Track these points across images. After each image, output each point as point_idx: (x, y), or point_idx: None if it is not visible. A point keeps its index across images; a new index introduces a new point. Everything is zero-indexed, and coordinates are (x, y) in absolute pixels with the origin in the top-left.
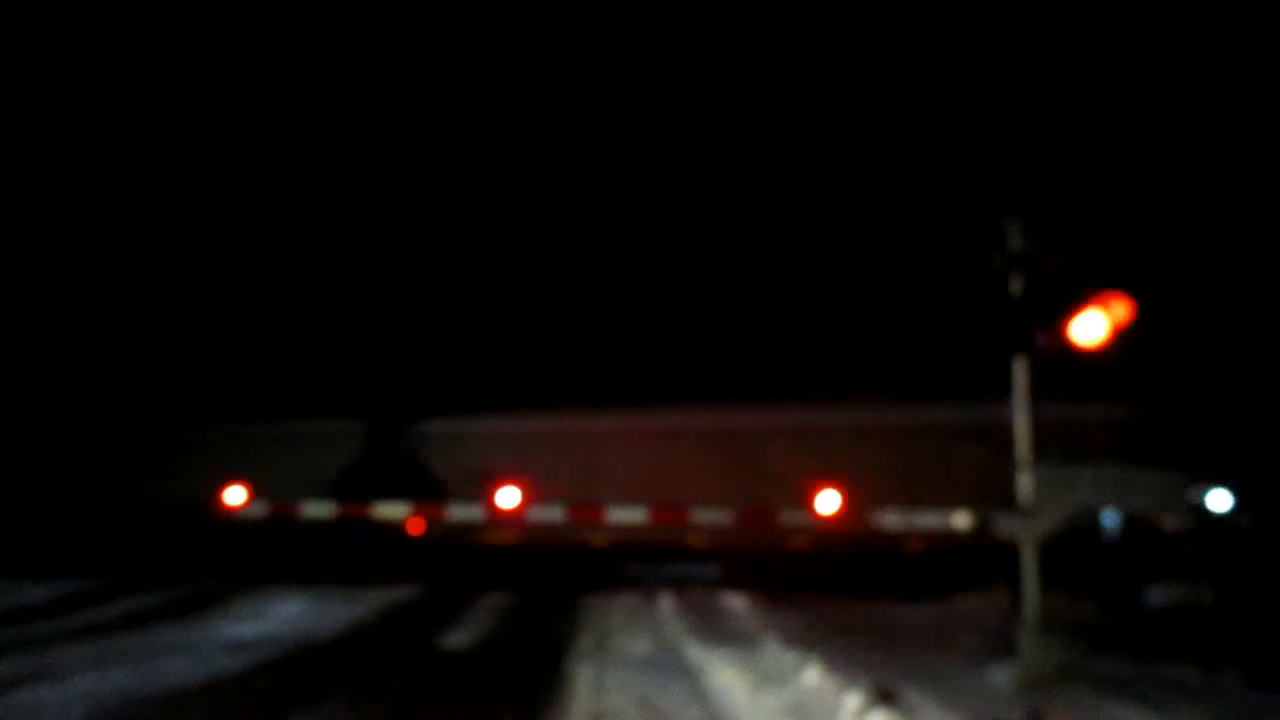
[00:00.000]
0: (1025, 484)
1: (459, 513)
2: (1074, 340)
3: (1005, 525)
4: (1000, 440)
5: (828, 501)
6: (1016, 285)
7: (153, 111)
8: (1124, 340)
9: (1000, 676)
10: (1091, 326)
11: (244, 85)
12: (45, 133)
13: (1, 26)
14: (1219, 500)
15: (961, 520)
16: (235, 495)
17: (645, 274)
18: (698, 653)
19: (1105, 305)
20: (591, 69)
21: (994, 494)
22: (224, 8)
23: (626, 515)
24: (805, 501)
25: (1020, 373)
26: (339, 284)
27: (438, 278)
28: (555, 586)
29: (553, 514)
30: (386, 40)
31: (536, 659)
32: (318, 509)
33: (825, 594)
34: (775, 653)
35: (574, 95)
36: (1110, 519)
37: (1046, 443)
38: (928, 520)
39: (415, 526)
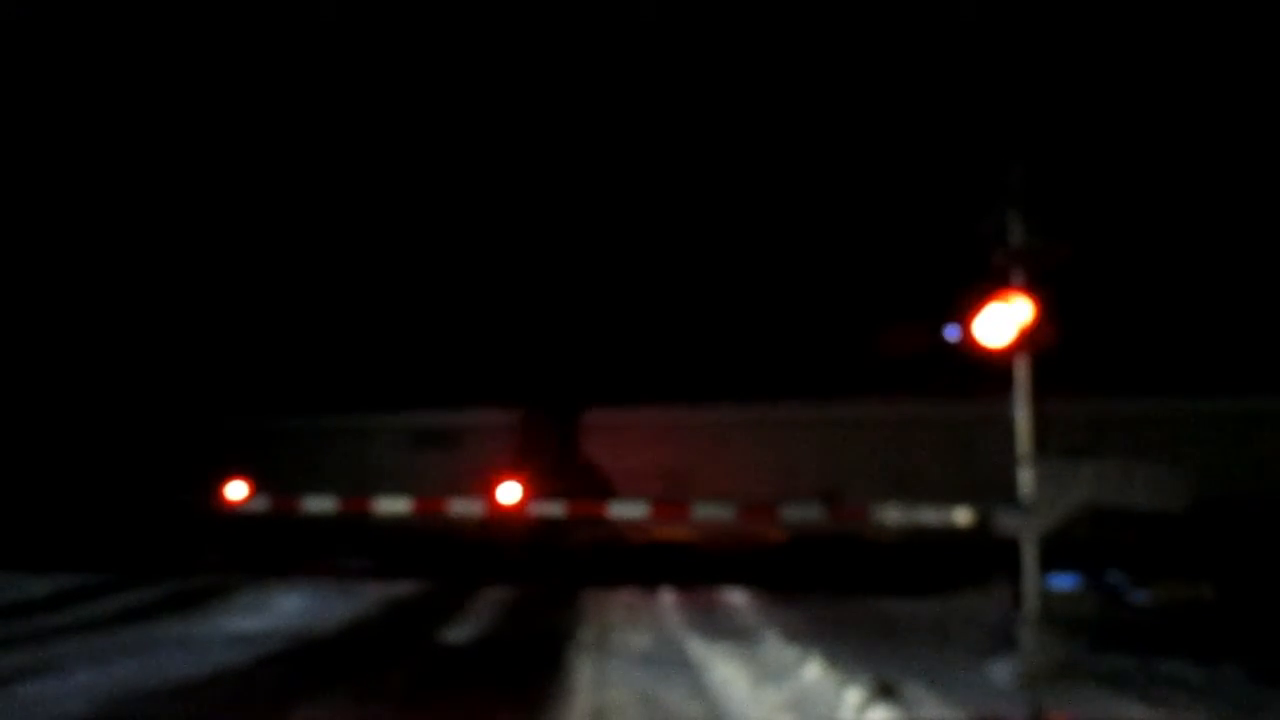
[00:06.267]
0: (1026, 479)
1: (459, 507)
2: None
3: (1007, 521)
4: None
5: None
6: (1018, 280)
7: (165, 115)
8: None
9: (1001, 672)
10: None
11: (245, 85)
12: (57, 133)
13: (2, 26)
14: None
15: (962, 516)
16: (237, 490)
17: (638, 272)
18: (699, 648)
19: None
20: (592, 69)
21: None
22: (224, 8)
23: (628, 510)
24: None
25: (1021, 368)
26: (340, 281)
27: (434, 275)
28: (559, 582)
29: (554, 509)
30: (386, 40)
31: (537, 653)
32: (319, 504)
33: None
34: (776, 648)
35: (576, 95)
36: None
37: (1047, 437)
38: (928, 516)
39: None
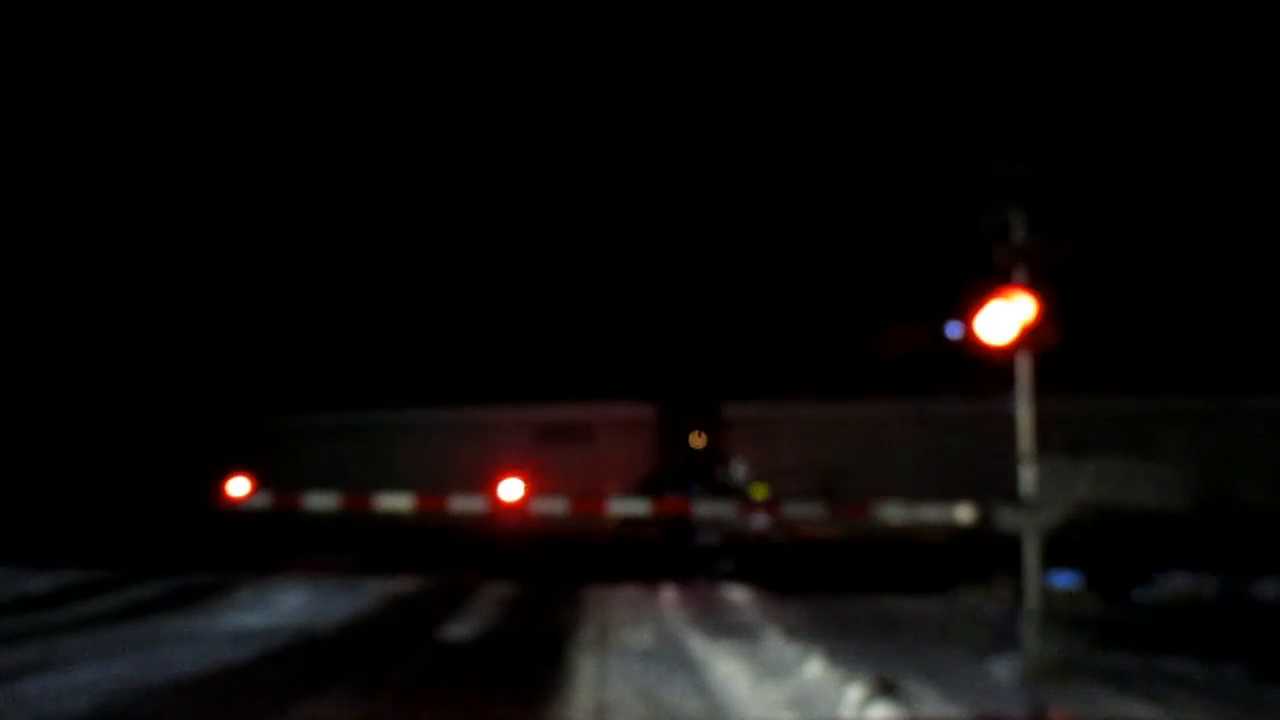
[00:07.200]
0: (1028, 477)
1: (460, 504)
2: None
3: (1008, 518)
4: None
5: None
6: (1020, 277)
7: (175, 116)
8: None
9: (1003, 669)
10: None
11: (246, 85)
12: (60, 131)
13: (4, 27)
14: None
15: (964, 514)
16: (239, 486)
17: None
18: (700, 645)
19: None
20: (592, 68)
21: None
22: (224, 8)
23: (629, 508)
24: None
25: (1023, 366)
26: (344, 281)
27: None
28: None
29: (555, 506)
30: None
31: (539, 650)
32: (320, 500)
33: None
34: (777, 645)
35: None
36: None
37: (1050, 435)
38: (930, 514)
39: None
